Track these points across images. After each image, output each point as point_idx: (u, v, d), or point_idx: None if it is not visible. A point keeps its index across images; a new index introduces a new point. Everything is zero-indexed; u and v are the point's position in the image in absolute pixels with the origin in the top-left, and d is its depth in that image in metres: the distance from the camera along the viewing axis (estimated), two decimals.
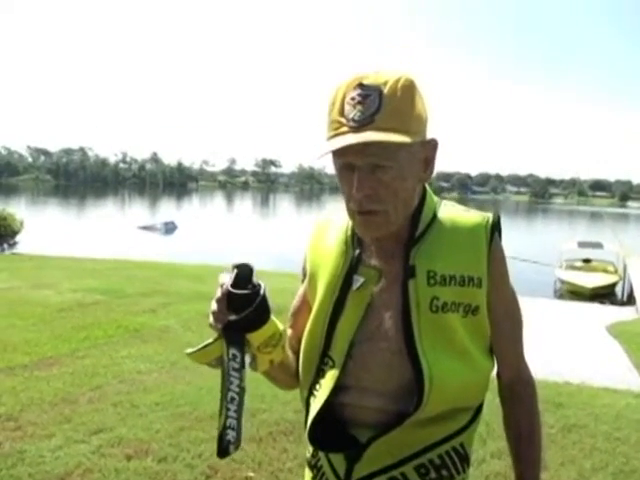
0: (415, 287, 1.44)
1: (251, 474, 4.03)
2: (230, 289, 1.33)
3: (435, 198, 1.55)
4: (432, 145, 1.45)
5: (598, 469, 4.32)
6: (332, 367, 1.51)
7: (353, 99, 1.36)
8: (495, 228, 1.50)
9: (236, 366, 1.35)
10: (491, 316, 1.51)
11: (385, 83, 1.35)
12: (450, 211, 1.54)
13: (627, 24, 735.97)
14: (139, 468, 4.04)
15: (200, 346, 1.38)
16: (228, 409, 1.36)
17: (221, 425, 1.36)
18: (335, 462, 1.52)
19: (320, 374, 1.54)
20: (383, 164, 1.36)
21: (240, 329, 1.34)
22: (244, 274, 1.35)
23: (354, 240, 1.54)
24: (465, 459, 1.52)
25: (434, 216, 1.51)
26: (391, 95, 1.34)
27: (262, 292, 1.34)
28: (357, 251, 1.52)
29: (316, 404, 1.51)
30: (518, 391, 1.61)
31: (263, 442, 4.47)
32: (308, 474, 1.63)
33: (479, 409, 1.55)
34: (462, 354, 1.47)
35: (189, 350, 1.39)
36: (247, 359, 1.37)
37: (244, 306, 1.32)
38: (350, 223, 1.54)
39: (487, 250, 1.48)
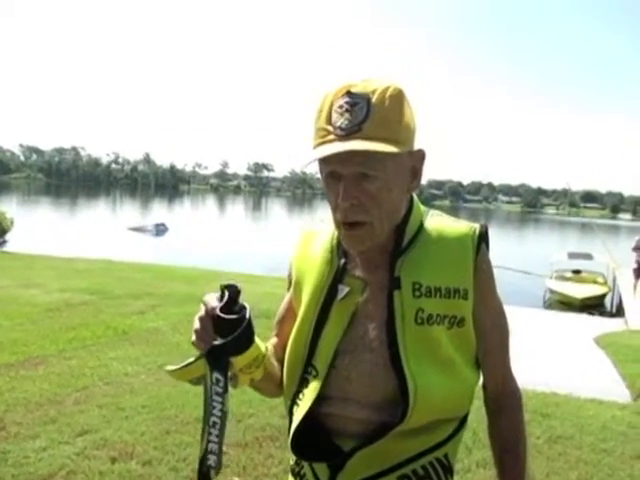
0: (400, 299, 1.43)
1: (236, 479, 4.01)
2: (219, 314, 1.31)
3: (422, 208, 1.54)
4: (420, 155, 1.44)
5: None
6: (315, 377, 1.50)
7: (341, 107, 1.35)
8: (482, 239, 1.49)
9: (219, 390, 1.33)
10: (477, 328, 1.49)
11: (373, 92, 1.34)
12: (437, 221, 1.53)
13: (623, 33, 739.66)
14: (123, 471, 4.02)
15: (182, 364, 1.37)
16: (210, 433, 1.34)
17: (202, 449, 1.35)
18: (318, 471, 1.50)
19: (304, 383, 1.52)
20: (369, 174, 1.35)
21: (224, 353, 1.33)
22: (232, 295, 1.34)
23: (339, 249, 1.53)
24: (449, 470, 1.51)
25: (420, 226, 1.50)
26: (379, 104, 1.34)
27: (248, 316, 1.32)
28: (342, 261, 1.52)
29: (299, 414, 1.50)
30: (504, 403, 1.59)
31: (249, 447, 4.46)
32: None
33: (464, 420, 1.54)
34: (447, 366, 1.45)
35: (170, 367, 1.38)
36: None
37: (230, 330, 1.31)
38: (336, 232, 1.53)
39: (473, 261, 1.46)
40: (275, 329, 1.71)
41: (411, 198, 1.51)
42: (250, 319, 1.33)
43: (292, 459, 1.61)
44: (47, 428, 4.62)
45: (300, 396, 1.52)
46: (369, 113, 1.33)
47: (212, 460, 1.35)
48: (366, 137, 1.31)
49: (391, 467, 1.45)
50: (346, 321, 1.47)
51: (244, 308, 1.34)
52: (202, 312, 1.33)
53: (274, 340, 1.68)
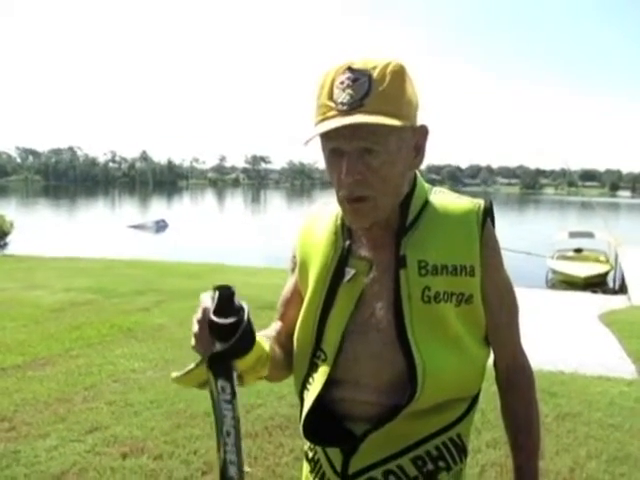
0: (406, 277, 1.42)
1: (247, 469, 4.00)
2: (213, 318, 1.26)
3: (426, 185, 1.54)
4: (423, 131, 1.43)
5: (593, 456, 4.34)
6: (324, 361, 1.50)
7: (342, 83, 1.34)
8: (487, 214, 1.48)
9: (227, 397, 1.29)
10: (486, 304, 1.48)
11: (374, 68, 1.34)
12: (441, 198, 1.52)
13: (615, 15, 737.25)
14: (135, 466, 4.04)
15: (184, 371, 1.35)
16: (226, 444, 1.30)
17: (221, 461, 1.31)
18: (332, 455, 1.51)
19: (313, 368, 1.52)
20: (372, 148, 1.34)
21: (226, 359, 1.28)
22: (226, 297, 1.28)
23: (344, 230, 1.53)
24: (462, 450, 1.51)
25: (425, 204, 1.49)
26: (380, 79, 1.33)
27: (246, 317, 1.27)
28: (347, 242, 1.51)
29: (309, 398, 1.50)
30: (515, 380, 1.58)
31: (259, 437, 4.47)
32: (306, 467, 1.63)
33: (475, 399, 1.54)
34: (456, 344, 1.45)
35: (174, 374, 1.37)
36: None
37: (228, 334, 1.26)
38: (340, 213, 1.52)
39: (479, 238, 1.45)
40: (279, 312, 1.70)
41: (415, 176, 1.50)
42: (249, 321, 1.28)
43: (306, 444, 1.61)
44: (57, 427, 4.64)
45: (310, 380, 1.53)
46: (371, 88, 1.32)
47: (233, 471, 1.30)
48: (368, 112, 1.31)
49: (404, 449, 1.45)
50: (353, 303, 1.47)
51: (242, 309, 1.29)
52: (199, 314, 1.30)
53: (277, 325, 1.66)
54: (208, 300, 1.30)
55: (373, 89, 1.32)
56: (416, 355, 1.40)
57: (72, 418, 4.82)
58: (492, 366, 1.60)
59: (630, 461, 4.28)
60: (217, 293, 1.29)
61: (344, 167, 1.35)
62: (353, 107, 1.32)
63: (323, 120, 1.35)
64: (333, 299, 1.50)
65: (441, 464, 1.47)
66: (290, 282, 1.68)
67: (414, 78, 1.40)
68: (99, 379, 5.87)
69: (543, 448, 4.30)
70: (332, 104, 1.34)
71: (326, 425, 1.50)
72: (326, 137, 1.37)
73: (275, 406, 5.03)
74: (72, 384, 5.70)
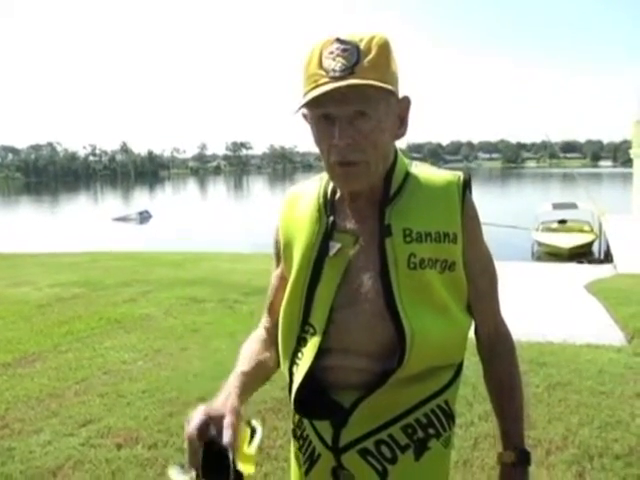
0: (392, 245, 1.45)
1: None
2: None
3: (406, 160, 1.56)
4: (406, 102, 1.47)
5: (585, 423, 4.37)
6: (313, 334, 1.50)
7: (331, 52, 1.37)
8: (466, 185, 1.52)
9: None
10: (467, 273, 1.52)
11: (361, 40, 1.38)
12: (422, 170, 1.55)
13: None
14: (130, 456, 4.03)
15: None
16: None
17: None
18: (321, 430, 1.52)
19: (302, 342, 1.53)
20: (364, 111, 1.37)
21: None
22: (208, 456, 1.26)
23: (327, 206, 1.54)
24: (450, 416, 1.54)
25: (406, 175, 1.52)
26: (367, 50, 1.37)
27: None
28: (331, 217, 1.52)
29: (300, 372, 1.51)
30: (497, 347, 1.61)
31: None
32: (294, 445, 1.64)
33: (460, 367, 1.57)
34: (441, 310, 1.48)
35: None
36: None
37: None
38: (322, 190, 1.56)
39: (460, 207, 1.49)
40: (267, 301, 1.71)
41: (395, 150, 1.53)
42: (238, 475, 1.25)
43: (293, 422, 1.63)
44: (50, 422, 4.62)
45: (299, 355, 1.53)
46: (360, 57, 1.36)
47: None
48: (360, 77, 1.34)
49: (394, 418, 1.48)
50: (339, 276, 1.48)
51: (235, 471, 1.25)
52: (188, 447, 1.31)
53: (266, 323, 1.70)
54: (195, 452, 1.29)
55: (362, 58, 1.36)
56: (404, 321, 1.42)
57: (65, 412, 4.80)
58: (474, 336, 1.63)
59: (622, 426, 4.32)
60: (201, 452, 1.27)
61: (336, 132, 1.38)
62: (345, 74, 1.34)
63: (315, 88, 1.37)
64: (319, 274, 1.51)
65: (431, 431, 1.50)
66: (275, 277, 1.69)
67: (396, 52, 1.44)
68: (90, 372, 5.85)
69: (534, 417, 4.35)
70: (323, 72, 1.37)
71: (315, 399, 1.51)
72: (316, 104, 1.38)
73: (267, 389, 4.98)
74: (63, 379, 5.68)
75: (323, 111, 1.39)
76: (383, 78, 1.36)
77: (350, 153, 1.39)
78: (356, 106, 1.36)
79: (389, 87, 1.36)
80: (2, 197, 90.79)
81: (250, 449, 1.34)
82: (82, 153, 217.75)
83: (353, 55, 1.35)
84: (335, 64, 1.35)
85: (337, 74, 1.34)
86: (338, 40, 1.37)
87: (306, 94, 1.38)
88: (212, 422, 1.32)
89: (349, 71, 1.34)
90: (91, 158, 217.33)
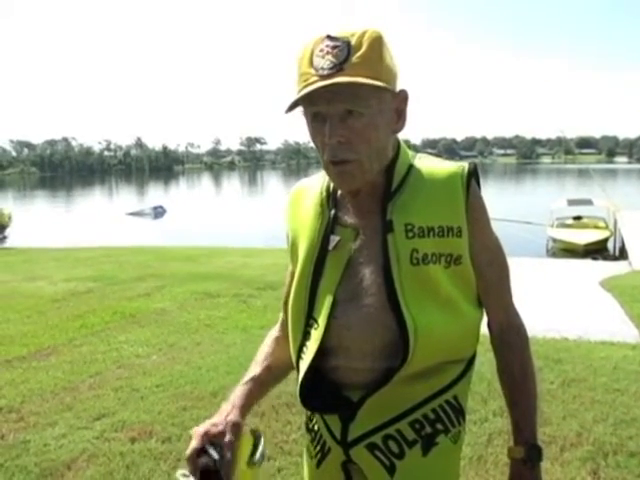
0: (394, 241, 1.44)
1: None
2: None
3: (410, 152, 1.55)
4: (403, 96, 1.45)
5: (599, 420, 4.35)
6: (316, 329, 1.51)
7: (322, 50, 1.37)
8: (472, 176, 1.49)
9: None
10: (475, 265, 1.50)
11: (352, 35, 1.37)
12: (425, 163, 1.53)
13: None
14: (144, 450, 4.05)
15: None
16: None
17: None
18: (331, 424, 1.53)
19: (306, 336, 1.54)
20: (356, 109, 1.36)
21: None
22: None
23: (330, 200, 1.55)
24: (460, 411, 1.53)
25: (409, 169, 1.51)
26: (358, 45, 1.36)
27: None
28: (332, 211, 1.53)
29: (303, 367, 1.53)
30: (509, 339, 1.59)
31: (266, 415, 4.48)
32: (307, 437, 1.66)
33: (471, 362, 1.56)
34: (447, 305, 1.46)
35: None
36: None
37: None
38: (325, 184, 1.57)
39: (465, 199, 1.47)
40: (283, 307, 1.72)
41: (398, 142, 1.52)
42: None
43: (306, 415, 1.65)
44: (64, 415, 4.65)
45: (304, 349, 1.54)
46: (350, 54, 1.35)
47: None
48: (348, 75, 1.33)
49: (402, 413, 1.48)
50: (340, 270, 1.49)
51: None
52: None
53: (274, 331, 1.76)
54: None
55: (352, 54, 1.35)
56: (407, 317, 1.41)
57: (79, 406, 4.83)
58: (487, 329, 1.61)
59: (637, 423, 4.29)
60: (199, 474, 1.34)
61: (327, 130, 1.38)
62: (333, 72, 1.34)
63: (305, 87, 1.37)
64: (322, 268, 1.51)
65: (439, 427, 1.50)
66: (289, 274, 1.70)
67: (392, 46, 1.43)
68: (104, 366, 5.88)
69: (548, 414, 4.33)
70: (313, 71, 1.37)
71: (322, 393, 1.52)
72: (308, 103, 1.39)
73: (281, 384, 5.02)
74: (77, 372, 5.71)
75: (314, 109, 1.40)
76: (375, 73, 1.35)
77: (342, 151, 1.39)
78: (346, 104, 1.36)
79: (378, 83, 1.34)
80: (18, 191, 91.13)
81: (252, 461, 1.41)
82: (97, 148, 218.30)
83: (343, 52, 1.35)
84: (324, 62, 1.35)
85: (325, 72, 1.35)
86: (329, 37, 1.37)
87: (298, 92, 1.39)
88: (212, 441, 1.40)
89: (337, 68, 1.34)
90: (106, 153, 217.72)
